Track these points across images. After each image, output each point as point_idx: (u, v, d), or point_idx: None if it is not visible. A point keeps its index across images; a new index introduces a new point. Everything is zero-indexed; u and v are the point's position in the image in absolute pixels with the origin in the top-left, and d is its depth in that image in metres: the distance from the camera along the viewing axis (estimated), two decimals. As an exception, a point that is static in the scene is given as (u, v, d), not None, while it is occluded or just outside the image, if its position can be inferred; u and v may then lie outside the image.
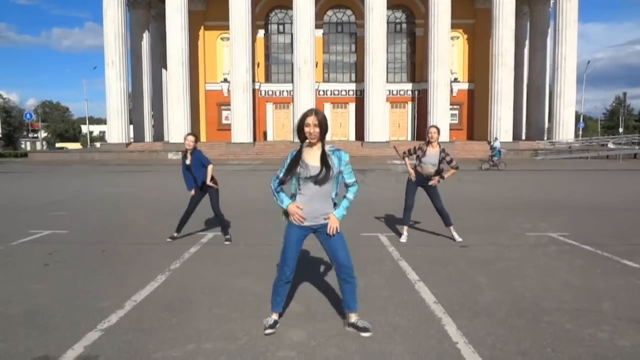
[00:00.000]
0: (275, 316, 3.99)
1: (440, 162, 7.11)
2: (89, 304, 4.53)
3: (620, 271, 5.63)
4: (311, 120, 3.62)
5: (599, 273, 5.55)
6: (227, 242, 7.33)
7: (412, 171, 7.35)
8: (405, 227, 7.51)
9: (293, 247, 3.87)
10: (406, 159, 7.50)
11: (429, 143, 7.12)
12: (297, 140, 3.78)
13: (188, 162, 7.23)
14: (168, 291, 4.92)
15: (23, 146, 75.08)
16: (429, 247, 6.99)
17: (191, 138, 7.26)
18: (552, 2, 40.89)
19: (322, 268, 5.69)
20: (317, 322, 4.08)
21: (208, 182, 7.29)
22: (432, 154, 7.10)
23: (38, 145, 73.31)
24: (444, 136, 35.66)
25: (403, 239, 7.36)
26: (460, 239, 7.28)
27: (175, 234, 7.51)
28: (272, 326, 3.89)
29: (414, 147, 7.32)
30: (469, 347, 3.56)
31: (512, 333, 3.82)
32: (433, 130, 7.10)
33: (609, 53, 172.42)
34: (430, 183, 7.18)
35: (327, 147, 3.76)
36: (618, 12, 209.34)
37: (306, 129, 3.64)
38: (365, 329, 3.80)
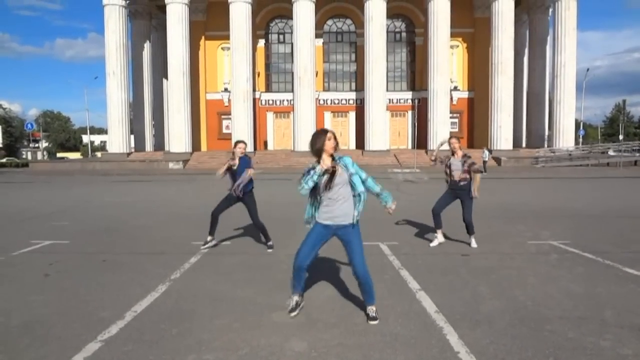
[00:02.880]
0: (296, 297, 4.53)
1: (464, 167, 7.44)
2: (89, 314, 4.52)
3: (622, 279, 5.61)
4: (331, 135, 4.19)
5: (601, 281, 5.54)
6: (269, 250, 7.38)
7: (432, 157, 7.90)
8: (439, 231, 7.73)
9: (310, 241, 4.34)
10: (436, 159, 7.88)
11: (453, 153, 7.55)
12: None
13: (234, 165, 7.23)
14: (168, 301, 4.91)
15: (24, 156, 75.20)
16: (430, 255, 6.98)
17: (242, 145, 7.39)
18: (550, 10, 41.09)
19: (323, 277, 5.68)
20: (318, 331, 4.07)
21: (238, 183, 7.22)
22: (456, 162, 7.49)
23: (39, 155, 73.43)
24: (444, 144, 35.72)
25: (434, 243, 7.66)
26: (475, 245, 7.52)
27: (209, 238, 7.44)
28: (294, 309, 4.47)
29: (441, 159, 7.73)
30: (470, 357, 3.55)
31: (514, 342, 3.81)
32: (453, 141, 7.55)
33: (607, 61, 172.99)
34: (473, 195, 7.43)
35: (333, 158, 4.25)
36: (617, 21, 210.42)
37: (330, 143, 4.16)
38: (373, 318, 4.28)
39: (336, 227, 4.28)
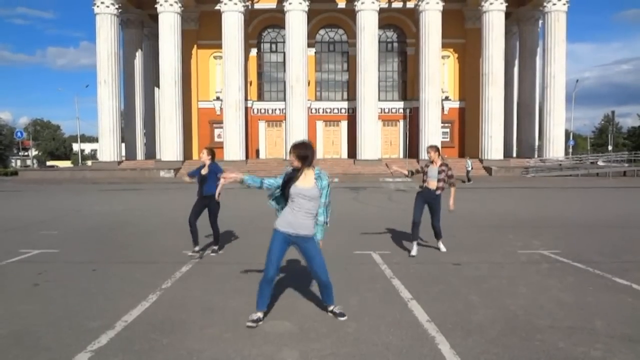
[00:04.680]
0: (260, 314, 4.47)
1: (439, 176, 7.61)
2: (79, 324, 4.48)
3: (612, 289, 5.65)
4: (291, 155, 4.41)
5: (591, 291, 5.57)
6: (212, 254, 7.69)
7: (404, 172, 8.15)
8: (415, 242, 7.78)
9: (276, 250, 4.44)
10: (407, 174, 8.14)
11: (431, 162, 7.71)
12: (289, 158, 4.43)
13: (204, 172, 7.52)
14: (159, 311, 4.88)
15: (13, 164, 74.49)
16: (421, 265, 6.99)
17: (206, 152, 7.66)
18: (540, 22, 41.57)
19: (314, 287, 5.66)
20: (311, 341, 4.05)
21: (218, 191, 7.43)
22: (433, 170, 7.66)
23: (28, 164, 72.82)
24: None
25: (413, 252, 7.63)
26: (444, 249, 7.84)
27: (197, 248, 7.53)
28: (256, 321, 4.39)
29: (420, 167, 7.91)
30: (462, 366, 3.55)
31: (506, 351, 3.81)
32: (430, 150, 7.76)
33: (596, 72, 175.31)
34: (450, 209, 7.68)
35: (314, 170, 4.43)
36: (606, 33, 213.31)
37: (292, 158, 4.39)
38: (341, 314, 4.58)
39: (295, 237, 4.43)
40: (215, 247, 7.84)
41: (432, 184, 7.62)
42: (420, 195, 7.79)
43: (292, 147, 4.46)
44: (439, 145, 36.55)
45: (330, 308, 4.68)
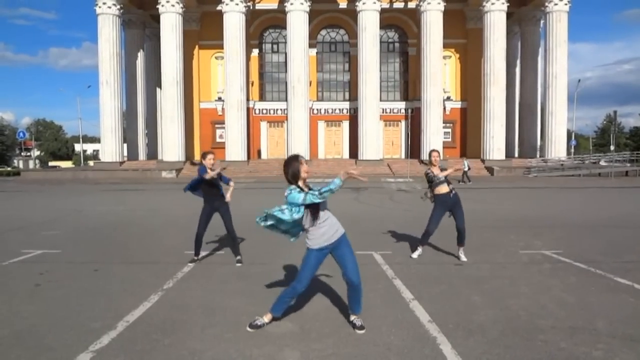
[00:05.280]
0: (266, 320, 4.39)
1: (446, 178, 7.41)
2: (80, 324, 4.48)
3: (614, 289, 5.64)
4: (307, 164, 4.30)
5: (593, 291, 5.56)
6: (238, 264, 7.11)
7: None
8: (421, 248, 7.62)
9: (313, 268, 4.30)
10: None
11: (432, 166, 7.45)
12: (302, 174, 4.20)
13: (208, 177, 7.00)
14: (161, 311, 4.88)
15: (16, 165, 74.68)
16: (423, 265, 6.98)
17: (212, 156, 7.23)
18: (542, 22, 41.53)
19: (317, 287, 5.66)
20: (312, 341, 4.05)
21: (228, 198, 7.34)
22: (439, 174, 7.39)
23: (31, 164, 72.97)
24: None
25: (415, 255, 7.51)
26: (465, 259, 7.32)
27: (196, 258, 7.25)
28: (260, 327, 4.32)
29: (432, 175, 7.47)
30: (464, 367, 3.55)
31: (507, 352, 3.81)
32: (435, 154, 7.55)
33: (598, 72, 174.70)
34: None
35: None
36: (607, 33, 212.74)
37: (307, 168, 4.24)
38: (361, 327, 4.29)
39: (333, 244, 4.26)
40: (239, 257, 7.28)
41: (444, 188, 7.32)
42: (441, 206, 7.39)
43: (302, 158, 4.33)
44: (441, 145, 36.81)
45: (352, 318, 4.41)
